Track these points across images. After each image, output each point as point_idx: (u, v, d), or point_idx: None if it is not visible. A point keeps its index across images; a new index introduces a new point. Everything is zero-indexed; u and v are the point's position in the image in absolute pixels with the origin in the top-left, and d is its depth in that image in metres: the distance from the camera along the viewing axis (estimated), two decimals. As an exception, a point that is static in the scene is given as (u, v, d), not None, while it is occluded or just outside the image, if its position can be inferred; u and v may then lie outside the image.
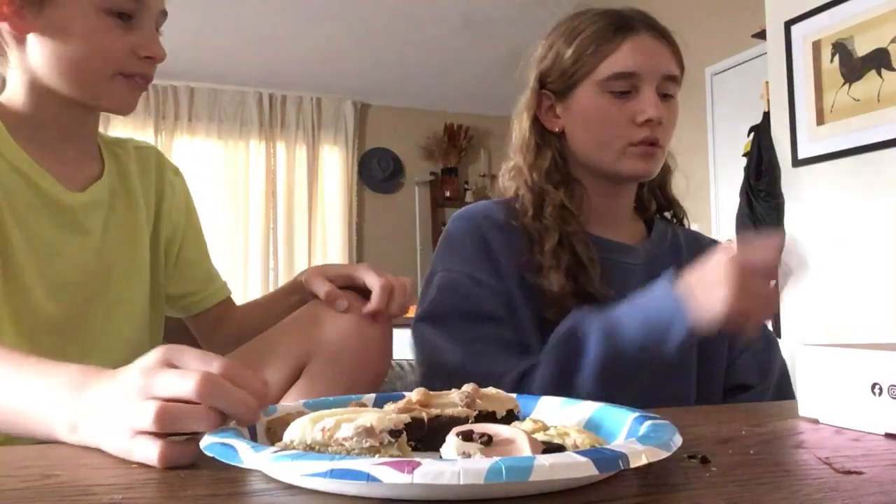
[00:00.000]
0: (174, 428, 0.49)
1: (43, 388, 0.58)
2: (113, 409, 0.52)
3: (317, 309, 0.91)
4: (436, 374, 0.94)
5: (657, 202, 1.13)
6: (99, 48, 0.85)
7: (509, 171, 1.08)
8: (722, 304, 0.76)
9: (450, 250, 1.02)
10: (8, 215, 0.85)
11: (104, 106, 0.91)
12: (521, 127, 1.07)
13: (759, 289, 0.78)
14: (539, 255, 0.97)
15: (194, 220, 1.12)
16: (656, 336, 0.82)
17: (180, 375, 0.50)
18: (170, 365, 0.52)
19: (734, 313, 0.76)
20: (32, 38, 0.85)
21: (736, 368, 1.05)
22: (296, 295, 1.01)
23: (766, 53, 3.14)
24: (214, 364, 0.51)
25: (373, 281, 0.90)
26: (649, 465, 0.42)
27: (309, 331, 0.89)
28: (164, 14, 0.94)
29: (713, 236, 4.03)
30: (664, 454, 0.43)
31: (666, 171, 1.12)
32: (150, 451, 0.48)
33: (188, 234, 1.10)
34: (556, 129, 1.04)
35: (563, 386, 0.84)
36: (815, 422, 0.65)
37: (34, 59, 0.86)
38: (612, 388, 0.83)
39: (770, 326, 2.93)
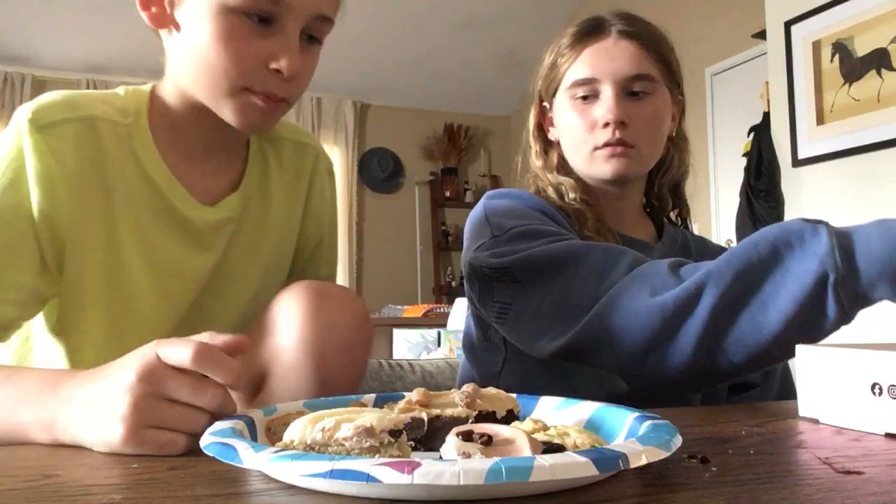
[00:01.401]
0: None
1: (10, 392, 0.59)
2: (102, 402, 0.53)
3: (271, 315, 0.77)
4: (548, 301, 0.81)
5: (672, 202, 1.14)
6: (225, 54, 0.73)
7: (527, 176, 1.11)
8: None
9: (510, 214, 0.93)
10: (125, 228, 0.79)
11: (229, 121, 0.78)
12: (528, 136, 1.12)
13: None
14: (586, 230, 0.97)
15: (333, 231, 1.03)
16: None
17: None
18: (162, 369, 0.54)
19: None
20: (174, 34, 0.78)
21: None
22: None
23: (766, 53, 3.14)
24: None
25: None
26: (649, 465, 0.42)
27: (262, 343, 0.75)
28: (325, 20, 0.79)
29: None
30: (664, 454, 0.43)
31: (683, 171, 1.13)
32: (152, 440, 0.51)
33: (320, 242, 1.01)
34: (553, 138, 1.08)
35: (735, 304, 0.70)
36: (815, 422, 0.65)
37: (173, 55, 0.79)
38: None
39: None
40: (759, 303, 0.69)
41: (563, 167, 1.05)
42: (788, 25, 2.95)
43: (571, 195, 1.01)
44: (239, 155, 0.90)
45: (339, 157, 5.85)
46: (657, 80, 1.00)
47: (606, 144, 0.98)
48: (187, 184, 0.83)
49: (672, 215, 1.16)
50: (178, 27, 0.77)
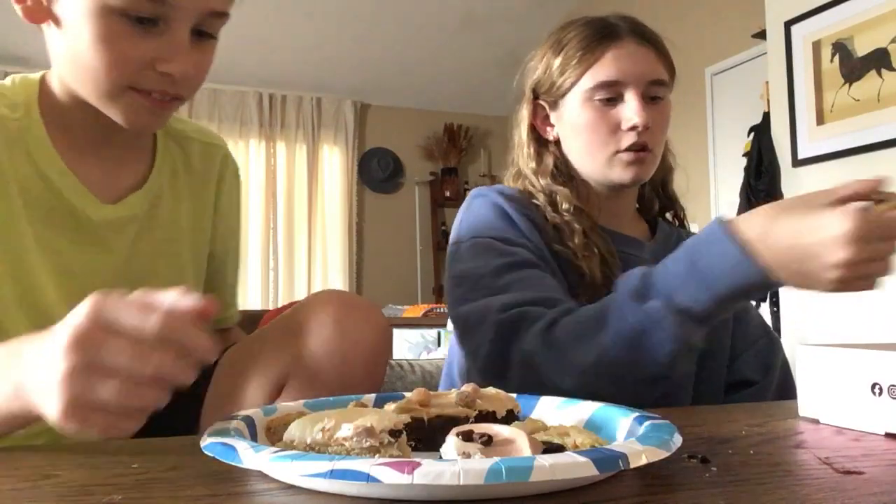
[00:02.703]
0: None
1: None
2: (40, 367, 0.48)
3: (295, 320, 0.78)
4: (487, 332, 0.86)
5: (659, 201, 1.15)
6: (106, 56, 0.69)
7: (513, 177, 1.10)
8: (837, 272, 0.67)
9: (473, 222, 0.99)
10: (27, 227, 0.75)
11: (118, 121, 0.75)
12: (519, 136, 1.10)
13: (883, 251, 0.67)
14: (570, 244, 0.98)
15: (237, 234, 1.01)
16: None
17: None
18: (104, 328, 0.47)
19: (846, 283, 0.67)
20: (53, 30, 0.73)
21: (739, 365, 1.06)
22: None
23: (766, 53, 3.14)
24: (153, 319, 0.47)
25: None
26: (649, 465, 0.42)
27: (287, 347, 0.76)
28: (218, 16, 0.73)
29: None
30: (664, 454, 0.43)
31: (667, 170, 1.14)
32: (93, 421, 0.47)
33: (228, 246, 0.99)
34: (552, 138, 1.07)
35: (585, 337, 0.80)
36: (815, 422, 0.65)
37: (54, 51, 0.75)
38: (626, 364, 0.78)
39: (770, 323, 2.93)
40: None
41: (560, 171, 1.04)
42: (788, 25, 2.95)
43: (565, 206, 1.00)
44: (143, 152, 0.86)
45: (339, 157, 5.85)
46: (668, 85, 1.02)
47: (629, 149, 0.98)
48: (86, 180, 0.78)
49: (668, 216, 1.17)
50: (57, 22, 0.71)
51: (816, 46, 2.84)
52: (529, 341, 0.82)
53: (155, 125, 0.79)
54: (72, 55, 0.72)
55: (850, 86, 2.72)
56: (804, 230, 0.68)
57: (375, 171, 6.01)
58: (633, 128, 0.97)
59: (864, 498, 0.40)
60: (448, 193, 6.16)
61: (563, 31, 1.05)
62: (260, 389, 0.76)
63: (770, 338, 1.09)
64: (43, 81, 0.80)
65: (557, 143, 1.07)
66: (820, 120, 2.82)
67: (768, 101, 3.08)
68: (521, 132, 1.09)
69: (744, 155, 3.21)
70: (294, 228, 5.68)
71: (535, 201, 1.03)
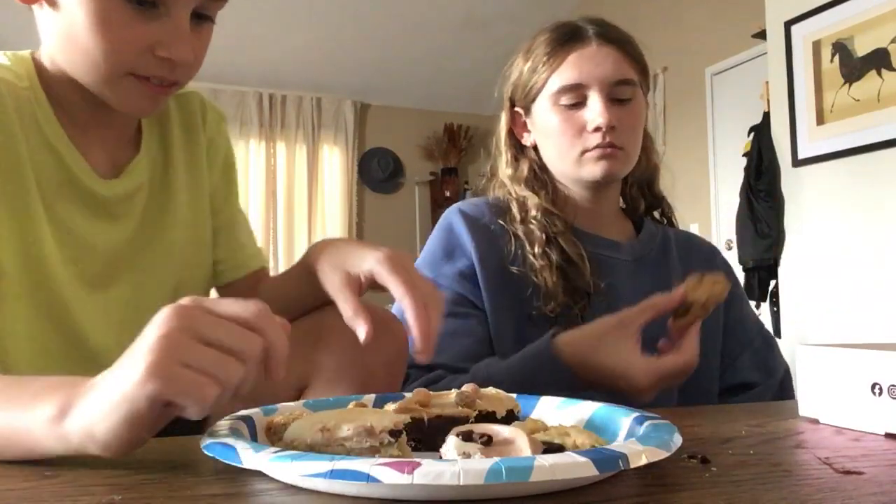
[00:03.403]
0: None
1: (13, 393, 0.51)
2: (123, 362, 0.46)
3: (319, 323, 0.77)
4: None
5: (645, 200, 1.15)
6: (105, 40, 0.67)
7: (494, 182, 1.12)
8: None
9: (424, 256, 1.05)
10: (36, 199, 0.72)
11: (114, 105, 0.74)
12: (498, 142, 1.12)
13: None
14: (531, 256, 0.99)
15: (232, 176, 0.97)
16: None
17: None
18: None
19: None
20: (46, 10, 0.70)
21: (737, 368, 1.06)
22: (307, 286, 0.77)
23: (766, 53, 3.14)
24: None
25: (404, 300, 0.64)
26: (649, 465, 0.42)
27: (309, 351, 0.76)
28: (215, 1, 0.72)
29: (713, 236, 4.02)
30: (664, 454, 0.43)
31: (653, 169, 1.14)
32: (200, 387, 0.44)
33: (222, 190, 0.95)
34: (529, 143, 1.09)
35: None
36: (815, 422, 0.65)
37: (46, 32, 0.72)
38: None
39: (770, 323, 2.93)
40: None
41: (535, 177, 1.06)
42: (788, 25, 2.95)
43: (533, 212, 1.02)
44: (133, 125, 0.84)
45: (339, 157, 5.85)
46: (637, 83, 1.02)
47: (596, 147, 0.99)
48: (90, 158, 0.77)
49: (656, 215, 1.17)
50: (52, 3, 0.69)
51: (816, 46, 2.84)
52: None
53: (151, 110, 0.77)
54: (67, 38, 0.70)
55: (850, 86, 2.72)
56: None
57: (375, 171, 6.01)
58: (597, 129, 0.98)
59: (864, 498, 0.41)
60: (448, 193, 6.16)
61: (534, 37, 1.06)
62: (279, 392, 0.75)
63: (766, 339, 1.09)
64: (33, 59, 0.77)
65: (535, 148, 1.08)
66: (820, 120, 2.82)
67: (768, 101, 3.08)
68: (500, 139, 1.11)
69: (744, 155, 3.21)
70: (294, 228, 5.68)
71: (511, 209, 1.04)
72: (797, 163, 2.91)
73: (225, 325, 0.47)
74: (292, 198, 5.69)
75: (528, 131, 1.08)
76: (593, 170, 1.00)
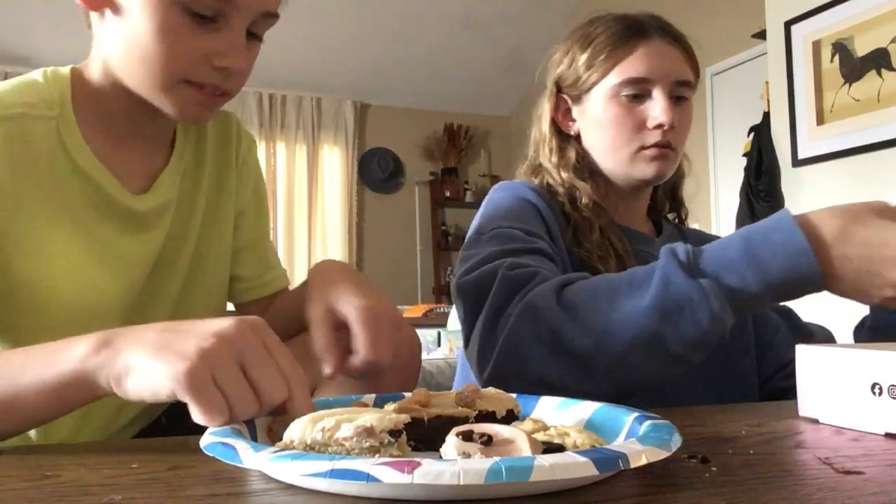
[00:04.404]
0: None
1: (68, 346, 0.55)
2: (178, 340, 0.51)
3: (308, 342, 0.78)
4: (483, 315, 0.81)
5: (669, 204, 1.16)
6: (165, 48, 0.71)
7: (530, 169, 1.09)
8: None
9: (498, 213, 0.96)
10: (65, 225, 0.76)
11: (166, 112, 0.77)
12: (540, 129, 1.09)
13: None
14: (587, 243, 0.97)
15: (261, 196, 1.01)
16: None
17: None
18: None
19: None
20: (109, 17, 0.74)
21: (776, 347, 1.05)
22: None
23: (766, 53, 3.14)
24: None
25: (360, 354, 0.68)
26: (649, 465, 0.42)
27: (309, 361, 0.75)
28: (271, 16, 0.77)
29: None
30: (664, 454, 0.43)
31: (680, 175, 1.14)
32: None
33: (252, 211, 0.98)
34: (573, 133, 1.07)
35: (612, 298, 0.74)
36: (815, 422, 0.65)
37: (107, 39, 0.76)
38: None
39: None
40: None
41: (582, 166, 1.04)
42: (788, 25, 2.95)
43: (584, 200, 1.00)
44: (167, 136, 0.87)
45: (339, 157, 5.86)
46: (693, 86, 1.02)
47: (654, 146, 0.98)
48: (117, 173, 0.80)
49: (670, 216, 1.18)
50: (115, 10, 0.73)
51: (816, 46, 2.84)
52: (538, 294, 0.76)
53: (203, 117, 0.80)
54: (129, 44, 0.73)
55: (850, 86, 2.72)
56: (874, 243, 0.66)
57: (375, 171, 6.01)
58: (658, 126, 0.97)
59: (864, 498, 0.40)
60: (448, 193, 6.17)
61: (591, 26, 1.04)
62: None
63: (782, 312, 1.09)
64: (75, 75, 0.80)
65: (578, 137, 1.06)
66: (820, 120, 2.82)
67: (768, 101, 3.09)
68: (543, 126, 1.08)
69: (744, 155, 3.22)
70: (294, 228, 5.68)
71: (557, 194, 1.02)
72: (797, 163, 2.91)
73: (267, 364, 0.52)
74: (292, 198, 5.69)
75: (573, 120, 1.06)
76: (645, 169, 0.99)
